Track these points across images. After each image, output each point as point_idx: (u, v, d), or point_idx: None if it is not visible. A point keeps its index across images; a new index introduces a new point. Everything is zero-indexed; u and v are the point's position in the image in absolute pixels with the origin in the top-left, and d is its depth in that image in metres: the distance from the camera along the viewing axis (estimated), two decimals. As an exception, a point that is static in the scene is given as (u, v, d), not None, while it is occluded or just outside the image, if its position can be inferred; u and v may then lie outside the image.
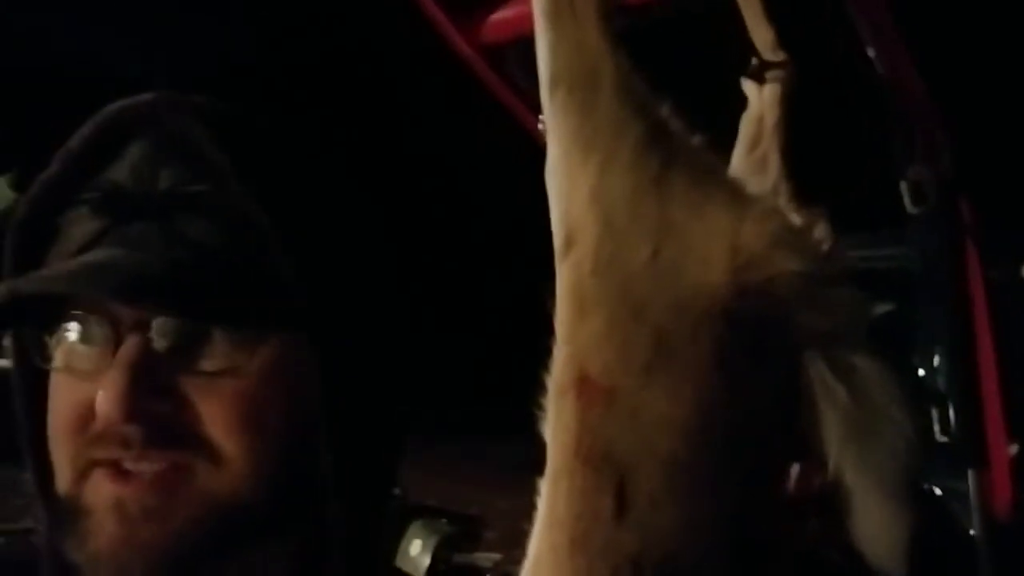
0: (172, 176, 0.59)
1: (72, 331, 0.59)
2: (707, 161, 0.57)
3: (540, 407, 0.52)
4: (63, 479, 0.59)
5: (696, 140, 0.56)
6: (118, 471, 0.57)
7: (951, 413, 1.47)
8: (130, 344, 0.57)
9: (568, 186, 0.52)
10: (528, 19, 1.15)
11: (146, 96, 0.62)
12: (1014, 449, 1.52)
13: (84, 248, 0.59)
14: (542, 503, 0.50)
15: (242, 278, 0.58)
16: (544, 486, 0.50)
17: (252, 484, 0.58)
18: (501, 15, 1.20)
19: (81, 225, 0.60)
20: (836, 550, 0.58)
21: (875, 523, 0.54)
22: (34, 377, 0.62)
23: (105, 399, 0.55)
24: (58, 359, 0.60)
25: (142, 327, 0.57)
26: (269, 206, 0.59)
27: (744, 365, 0.52)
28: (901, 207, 1.35)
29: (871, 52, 1.14)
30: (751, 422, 0.53)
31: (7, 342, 0.63)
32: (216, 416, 0.57)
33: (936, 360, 1.54)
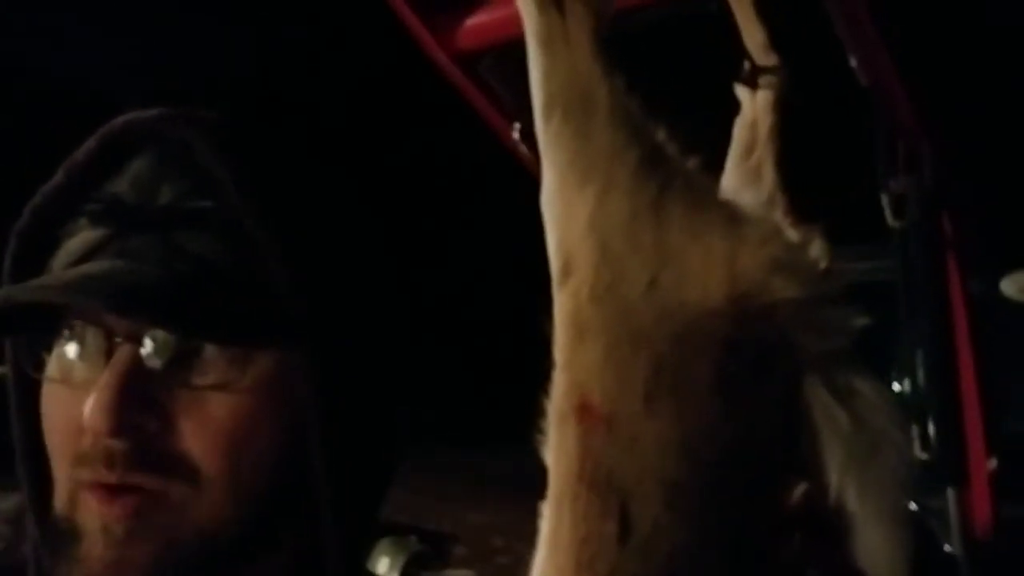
0: (173, 190, 0.60)
1: (66, 342, 0.59)
2: (704, 184, 0.57)
3: (539, 429, 0.52)
4: (60, 497, 0.59)
5: (692, 163, 0.56)
6: (105, 491, 0.57)
7: (931, 429, 1.46)
8: (121, 355, 0.57)
9: (565, 214, 0.52)
10: (504, 25, 1.13)
11: (150, 111, 0.63)
12: (993, 464, 1.52)
13: (82, 259, 0.59)
14: (545, 527, 0.50)
15: (239, 293, 0.58)
16: (547, 510, 0.50)
17: (236, 505, 0.58)
18: (476, 21, 1.18)
19: (80, 236, 0.60)
20: (822, 566, 0.57)
21: (877, 546, 0.54)
22: (30, 389, 0.62)
23: (93, 409, 0.55)
24: (52, 369, 0.60)
25: (134, 339, 0.57)
26: (269, 222, 0.59)
27: (744, 389, 0.52)
28: (881, 219, 1.34)
29: (853, 62, 1.13)
30: (749, 443, 0.53)
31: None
32: (202, 435, 0.57)
33: (916, 375, 1.54)
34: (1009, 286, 1.96)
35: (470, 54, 1.19)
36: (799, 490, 0.54)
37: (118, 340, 0.57)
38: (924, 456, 1.46)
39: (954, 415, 1.44)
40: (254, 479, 0.59)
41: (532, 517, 0.51)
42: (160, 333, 0.57)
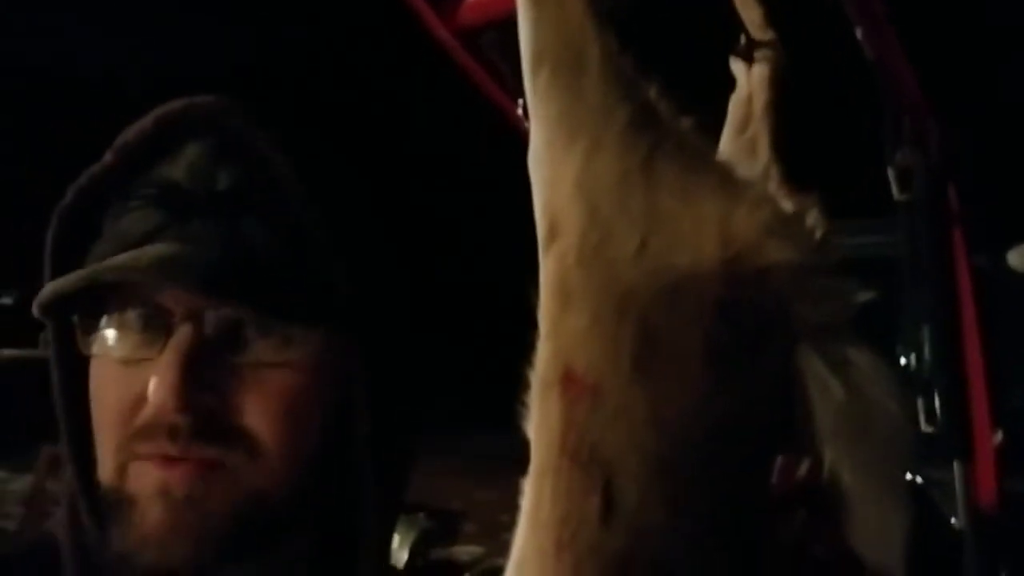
0: (230, 177, 0.61)
1: (120, 320, 0.61)
2: (696, 145, 0.55)
3: (523, 403, 0.50)
4: (106, 468, 0.60)
5: (685, 123, 0.54)
6: (164, 459, 0.59)
7: (936, 403, 1.46)
8: (184, 334, 0.59)
9: (552, 174, 0.50)
10: (506, 1, 1.12)
11: (206, 97, 0.64)
12: (998, 437, 1.52)
13: (141, 241, 0.60)
14: (526, 503, 0.48)
15: (295, 276, 0.61)
16: (528, 485, 0.48)
17: (287, 475, 0.61)
18: (479, -3, 1.17)
19: (132, 218, 0.61)
20: (823, 544, 0.55)
21: (872, 519, 0.52)
22: (74, 367, 0.63)
23: (160, 387, 0.57)
24: (105, 348, 0.61)
25: (195, 318, 0.59)
26: (321, 208, 0.62)
27: (735, 359, 0.50)
28: (887, 194, 1.33)
29: (860, 36, 1.12)
30: (742, 417, 0.51)
31: (45, 332, 0.64)
32: (259, 409, 0.60)
33: (921, 349, 1.53)
34: (1015, 258, 1.95)
35: (472, 30, 1.19)
36: (803, 466, 0.52)
37: (177, 319, 0.59)
38: (930, 430, 1.45)
39: (960, 389, 1.43)
40: (303, 451, 0.62)
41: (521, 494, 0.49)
42: (224, 311, 0.59)
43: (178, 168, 0.62)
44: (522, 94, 1.17)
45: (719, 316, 0.49)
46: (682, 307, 0.49)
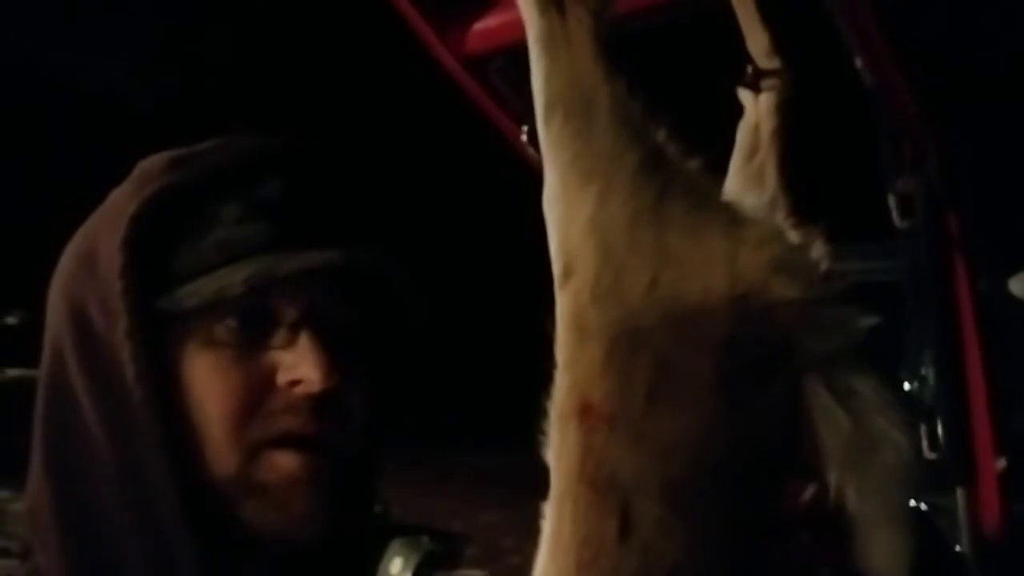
0: (320, 204, 0.69)
1: (247, 312, 0.64)
2: (704, 186, 0.57)
3: (543, 432, 0.52)
4: (222, 462, 0.63)
5: (693, 165, 0.57)
6: (296, 440, 0.63)
7: (939, 428, 1.46)
8: (319, 326, 0.65)
9: (566, 215, 0.53)
10: (511, 29, 1.14)
11: (276, 139, 0.71)
12: (1002, 463, 1.51)
13: (257, 250, 0.64)
14: (547, 526, 0.51)
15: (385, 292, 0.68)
16: (549, 509, 0.51)
17: (361, 445, 0.68)
18: (484, 25, 1.18)
19: (246, 231, 0.65)
20: (828, 567, 0.58)
21: (878, 545, 0.54)
22: (164, 373, 0.64)
23: (308, 367, 0.63)
24: (224, 338, 0.64)
25: (325, 314, 0.66)
26: (387, 235, 0.70)
27: (744, 389, 0.53)
28: (889, 219, 1.34)
29: (859, 63, 1.13)
30: (751, 444, 0.53)
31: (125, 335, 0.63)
32: (355, 391, 0.66)
33: (924, 374, 1.53)
34: (1017, 285, 1.96)
35: (478, 57, 1.20)
36: (809, 490, 0.54)
37: (301, 311, 0.65)
38: (933, 455, 1.45)
39: (962, 414, 1.43)
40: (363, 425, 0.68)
41: (543, 513, 0.51)
42: (353, 311, 0.67)
43: (268, 190, 0.67)
44: (527, 121, 1.18)
45: (728, 349, 0.52)
46: (692, 341, 0.51)
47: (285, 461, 0.63)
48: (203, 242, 0.65)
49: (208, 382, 0.64)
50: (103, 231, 0.66)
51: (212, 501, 0.63)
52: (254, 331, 0.65)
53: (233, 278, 0.63)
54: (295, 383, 0.64)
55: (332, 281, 0.66)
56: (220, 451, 0.63)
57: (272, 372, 0.64)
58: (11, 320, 8.17)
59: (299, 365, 0.64)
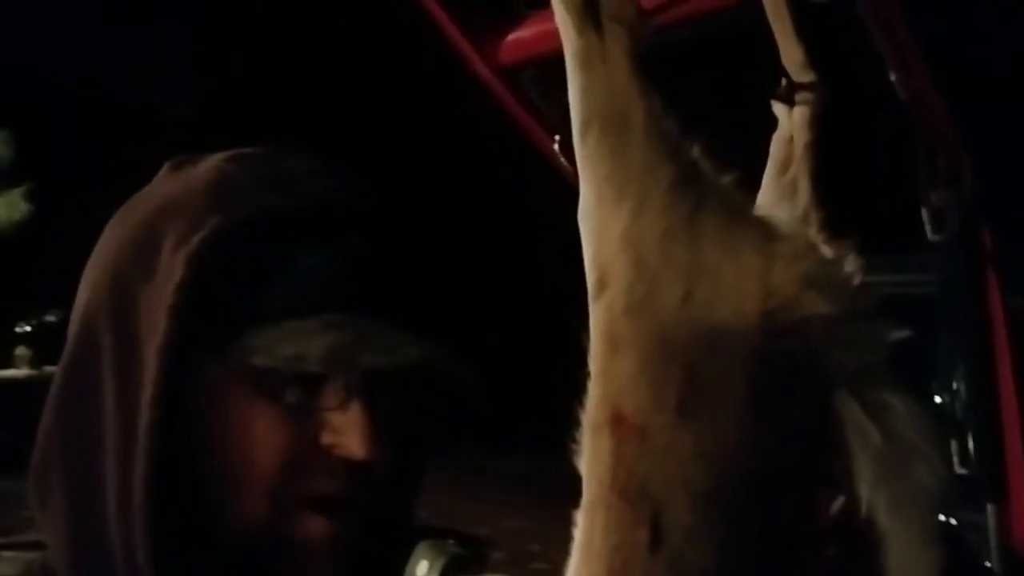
0: (397, 277, 0.66)
1: (302, 371, 0.61)
2: (738, 201, 0.58)
3: (575, 441, 0.53)
4: (253, 513, 0.61)
5: (726, 180, 0.57)
6: (329, 503, 0.62)
7: (970, 443, 1.45)
8: (369, 396, 0.63)
9: (600, 228, 0.53)
10: (546, 39, 1.14)
11: (366, 184, 0.69)
12: (1034, 479, 1.49)
13: (338, 307, 0.62)
14: (579, 534, 0.51)
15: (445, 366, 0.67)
16: (580, 518, 0.51)
17: (385, 502, 0.67)
18: (518, 36, 1.19)
19: (327, 284, 0.63)
20: None
21: (908, 562, 0.55)
22: (186, 408, 0.62)
23: (354, 435, 0.62)
24: (278, 392, 0.62)
25: (375, 384, 0.63)
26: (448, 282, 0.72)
27: (775, 402, 0.53)
28: (922, 232, 1.33)
29: (893, 76, 1.13)
30: (781, 457, 0.54)
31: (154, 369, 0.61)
32: (383, 455, 0.64)
33: (955, 389, 1.52)
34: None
35: (512, 68, 1.21)
36: (836, 503, 0.55)
37: (365, 380, 0.63)
38: (964, 471, 1.44)
39: (994, 429, 1.42)
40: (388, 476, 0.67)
41: (568, 523, 0.52)
42: (397, 387, 0.65)
43: (357, 242, 0.65)
44: (559, 131, 1.19)
45: (759, 362, 0.52)
46: (724, 354, 0.52)
47: (315, 523, 0.62)
48: (275, 282, 0.62)
49: (250, 429, 0.61)
50: (171, 233, 0.62)
51: (229, 548, 0.62)
52: (308, 387, 0.62)
53: (311, 349, 0.60)
54: (337, 446, 0.62)
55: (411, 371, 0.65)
56: (249, 501, 0.61)
57: (318, 431, 0.62)
58: (51, 318, 8.29)
59: (347, 432, 0.62)
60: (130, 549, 0.59)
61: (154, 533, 0.58)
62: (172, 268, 0.60)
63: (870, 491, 0.54)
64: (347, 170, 0.70)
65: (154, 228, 0.64)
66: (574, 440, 0.52)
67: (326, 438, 0.62)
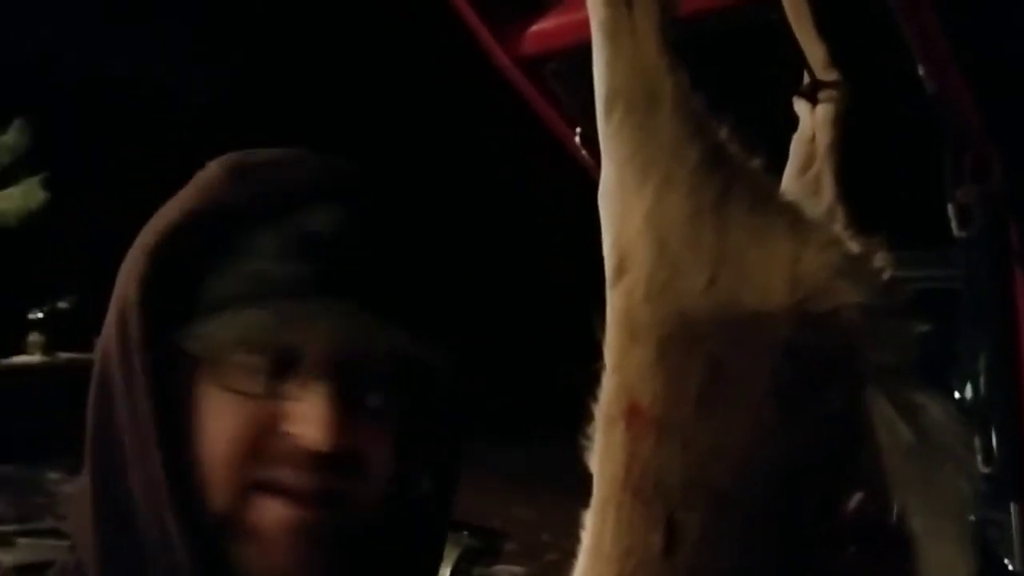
0: (363, 235, 0.64)
1: (260, 357, 0.62)
2: (766, 186, 0.55)
3: (587, 436, 0.50)
4: (219, 499, 0.61)
5: (754, 164, 0.54)
6: (289, 491, 0.61)
7: (993, 441, 1.43)
8: (335, 382, 0.62)
9: (622, 210, 0.51)
10: (568, 31, 1.14)
11: (336, 163, 0.68)
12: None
13: (292, 293, 0.62)
14: (587, 536, 0.49)
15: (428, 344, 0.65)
16: (590, 518, 0.49)
17: (383, 497, 0.65)
18: (541, 27, 1.19)
19: (284, 270, 0.62)
20: None
21: (938, 562, 0.52)
22: (171, 399, 0.63)
23: (310, 421, 0.61)
24: (237, 381, 0.62)
25: (345, 369, 0.62)
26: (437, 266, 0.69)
27: (801, 398, 0.50)
28: (948, 227, 1.32)
29: (921, 69, 1.11)
30: (805, 454, 0.51)
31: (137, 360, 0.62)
32: (369, 439, 0.63)
33: (978, 385, 1.50)
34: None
35: (534, 59, 1.21)
36: (854, 500, 0.52)
37: (318, 362, 0.62)
38: (986, 469, 1.43)
39: (1017, 427, 1.40)
40: (395, 472, 0.66)
41: (581, 514, 0.50)
42: (375, 370, 0.63)
43: (317, 223, 0.63)
44: (581, 124, 1.18)
45: (785, 354, 0.50)
46: (749, 344, 0.49)
47: (274, 508, 0.61)
48: (233, 270, 0.62)
49: (215, 420, 0.62)
50: (148, 231, 0.65)
51: (210, 538, 0.62)
52: (271, 374, 0.62)
53: (233, 333, 0.61)
54: (298, 435, 0.61)
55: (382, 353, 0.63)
56: (216, 489, 0.61)
57: (281, 420, 0.62)
58: (63, 304, 8.36)
59: (304, 420, 0.61)
60: (162, 526, 0.61)
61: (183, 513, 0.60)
62: (138, 263, 0.63)
63: (902, 492, 0.52)
64: (335, 159, 0.69)
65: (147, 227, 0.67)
66: (586, 436, 0.50)
67: (285, 427, 0.62)
